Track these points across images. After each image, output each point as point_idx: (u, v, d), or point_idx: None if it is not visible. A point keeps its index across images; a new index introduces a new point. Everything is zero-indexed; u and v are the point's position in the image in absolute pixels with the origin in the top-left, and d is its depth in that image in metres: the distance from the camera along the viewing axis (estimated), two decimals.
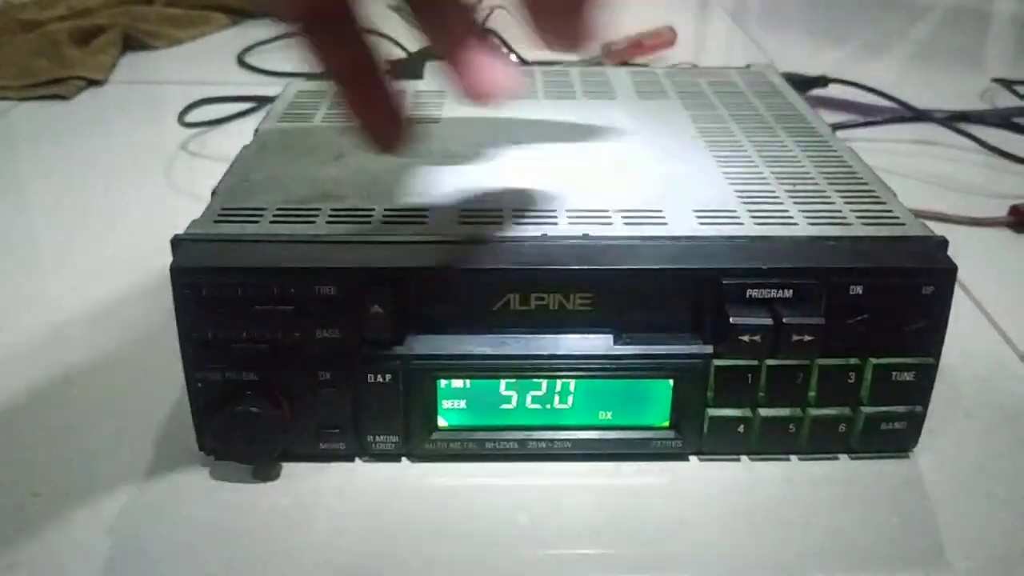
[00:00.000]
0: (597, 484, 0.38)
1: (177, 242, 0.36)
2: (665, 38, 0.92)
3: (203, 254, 0.36)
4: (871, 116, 0.75)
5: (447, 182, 0.42)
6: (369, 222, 0.38)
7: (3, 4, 1.01)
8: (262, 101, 0.74)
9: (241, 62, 0.92)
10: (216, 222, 0.38)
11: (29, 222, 0.62)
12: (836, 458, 0.39)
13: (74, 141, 0.74)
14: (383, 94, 0.32)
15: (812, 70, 0.79)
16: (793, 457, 0.39)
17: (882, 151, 0.71)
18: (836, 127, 0.50)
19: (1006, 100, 0.82)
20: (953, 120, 0.73)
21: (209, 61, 0.95)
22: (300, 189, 0.41)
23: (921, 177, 0.67)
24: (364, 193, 0.41)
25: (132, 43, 0.96)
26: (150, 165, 0.69)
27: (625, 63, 0.88)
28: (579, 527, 0.36)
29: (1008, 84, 0.83)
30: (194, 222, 0.38)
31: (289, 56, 0.94)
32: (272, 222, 0.38)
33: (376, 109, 0.32)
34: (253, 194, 0.41)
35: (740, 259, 0.36)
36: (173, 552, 0.35)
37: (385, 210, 0.39)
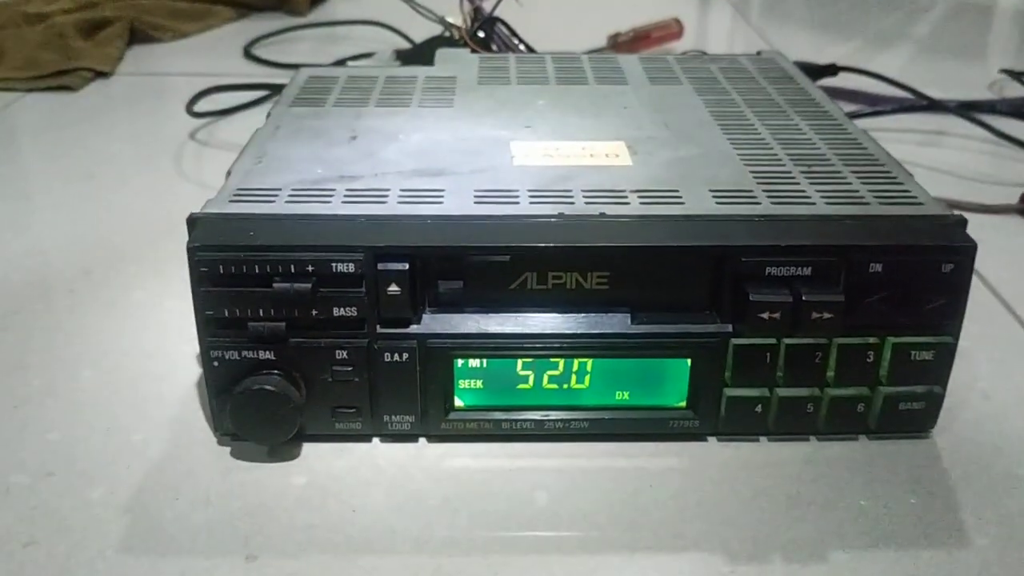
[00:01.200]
0: (614, 464, 0.38)
1: (193, 221, 0.36)
2: (672, 30, 0.92)
3: (220, 232, 0.36)
4: (880, 105, 0.75)
5: (461, 163, 0.42)
6: (385, 201, 0.38)
7: None
8: (271, 89, 0.74)
9: (248, 54, 0.92)
10: (232, 201, 0.38)
11: (37, 213, 0.62)
12: (855, 438, 0.39)
13: (81, 132, 0.74)
14: None
15: (817, 62, 0.79)
16: (811, 438, 0.39)
17: (892, 139, 0.70)
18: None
19: (1013, 90, 0.82)
20: (964, 109, 0.72)
21: (215, 53, 0.94)
22: (315, 170, 0.41)
23: (932, 165, 0.67)
24: (378, 174, 0.41)
25: (138, 36, 0.96)
26: (158, 154, 0.69)
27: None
28: (597, 507, 0.36)
29: (1016, 75, 0.83)
30: (210, 202, 0.38)
31: (295, 48, 0.94)
32: (288, 202, 0.38)
33: None
34: (268, 175, 0.41)
35: (759, 237, 0.36)
36: (189, 530, 0.34)
37: (400, 190, 0.39)
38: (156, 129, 0.74)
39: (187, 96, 0.72)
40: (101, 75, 0.86)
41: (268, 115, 0.49)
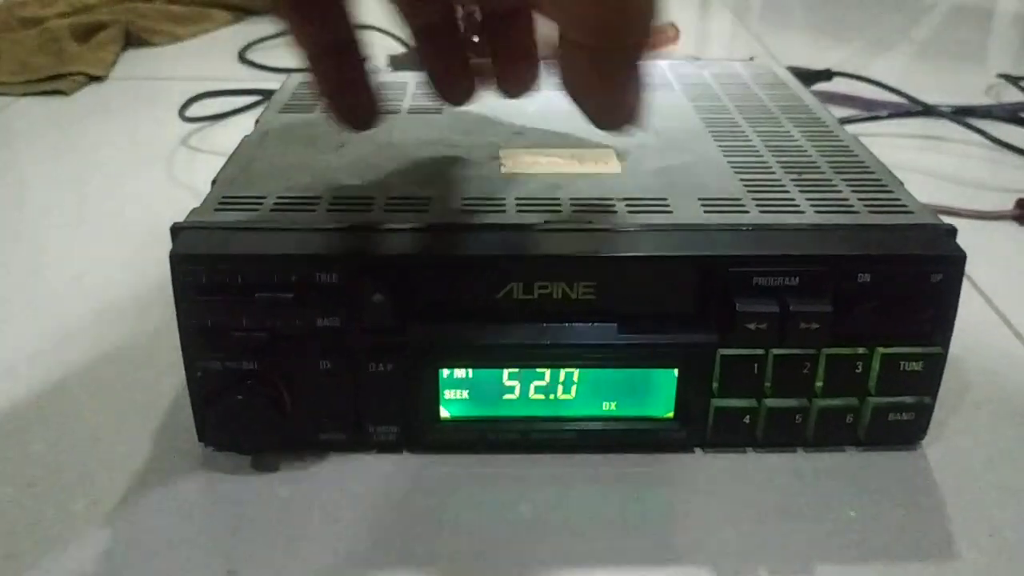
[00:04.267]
0: (601, 476, 0.38)
1: (177, 230, 0.36)
2: (668, 35, 0.92)
3: (203, 241, 0.36)
4: (875, 111, 0.75)
5: (449, 171, 0.42)
6: (370, 210, 0.38)
7: (5, 0, 1.00)
8: (264, 95, 0.74)
9: (242, 58, 0.92)
10: (216, 210, 0.38)
11: (29, 218, 0.62)
12: (843, 450, 0.39)
13: (74, 136, 0.74)
14: (358, 74, 0.34)
15: (815, 67, 0.79)
16: (800, 449, 0.39)
17: (887, 145, 0.70)
18: (841, 121, 0.50)
19: (1011, 96, 0.81)
20: (959, 114, 0.72)
21: (210, 57, 0.94)
22: (301, 178, 0.41)
23: (926, 171, 0.67)
24: (365, 182, 0.41)
25: (133, 40, 0.96)
26: (151, 160, 0.69)
27: None
28: (582, 519, 0.36)
29: (1013, 80, 0.83)
30: (194, 210, 0.38)
31: (290, 52, 0.94)
32: (272, 210, 0.38)
33: (350, 88, 0.34)
34: (254, 183, 0.40)
35: (746, 247, 0.36)
36: (172, 544, 0.34)
37: (387, 198, 0.39)
38: (149, 134, 0.74)
39: (181, 101, 0.72)
40: (95, 79, 0.86)
41: (257, 121, 0.48)
